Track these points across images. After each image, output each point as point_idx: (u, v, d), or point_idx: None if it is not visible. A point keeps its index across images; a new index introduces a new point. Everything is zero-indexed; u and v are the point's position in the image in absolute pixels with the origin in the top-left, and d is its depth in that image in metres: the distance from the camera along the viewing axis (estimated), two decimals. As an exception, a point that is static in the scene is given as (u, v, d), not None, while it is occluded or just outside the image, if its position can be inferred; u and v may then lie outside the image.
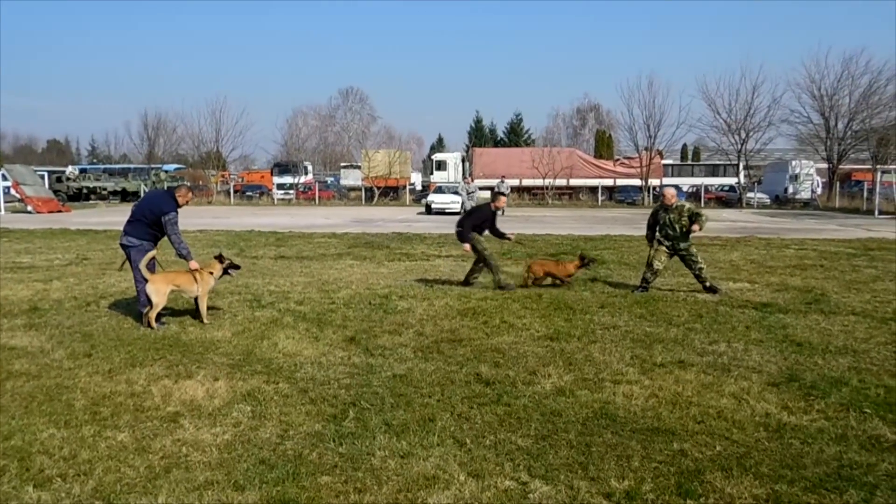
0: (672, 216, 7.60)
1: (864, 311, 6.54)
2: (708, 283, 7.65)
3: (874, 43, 55.39)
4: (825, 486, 2.86)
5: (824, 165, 34.36)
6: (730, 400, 3.91)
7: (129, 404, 3.86)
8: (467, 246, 7.75)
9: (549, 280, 7.99)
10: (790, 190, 34.62)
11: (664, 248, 7.70)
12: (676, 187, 10.96)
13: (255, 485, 2.87)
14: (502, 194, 8.39)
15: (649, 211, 8.14)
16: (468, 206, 26.78)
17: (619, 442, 3.31)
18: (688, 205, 7.92)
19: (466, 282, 8.05)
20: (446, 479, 2.92)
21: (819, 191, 34.28)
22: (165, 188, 6.44)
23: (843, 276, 9.03)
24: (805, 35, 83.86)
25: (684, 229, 7.57)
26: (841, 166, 33.85)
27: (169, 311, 6.16)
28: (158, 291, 5.64)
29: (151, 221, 5.89)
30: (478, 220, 7.83)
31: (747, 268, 8.28)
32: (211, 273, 6.02)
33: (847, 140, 32.90)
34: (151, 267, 5.93)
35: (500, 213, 8.34)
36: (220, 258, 6.18)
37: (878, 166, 29.45)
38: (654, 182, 36.31)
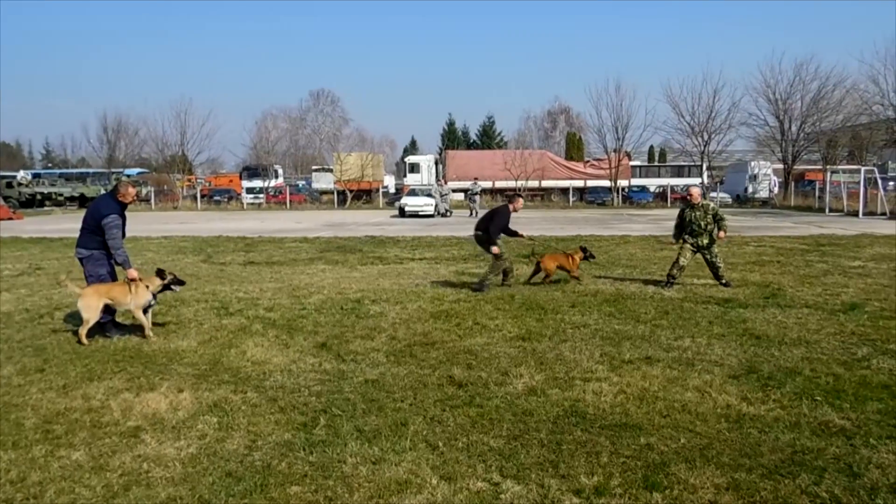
0: (697, 213, 8.04)
1: (816, 304, 6.86)
2: (724, 279, 8.06)
3: (822, 49, 58.29)
4: (780, 471, 2.99)
5: (780, 166, 35.85)
6: (694, 393, 4.04)
7: (86, 420, 3.70)
8: (496, 248, 7.77)
9: (539, 277, 8.09)
10: (750, 189, 36.04)
11: (689, 246, 8.10)
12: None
13: (220, 499, 2.80)
14: (519, 196, 8.37)
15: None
16: (442, 208, 26.89)
17: (589, 439, 3.37)
18: (711, 204, 8.36)
19: (506, 282, 8.01)
20: (418, 484, 2.91)
21: (776, 190, 35.78)
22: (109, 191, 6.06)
23: (797, 270, 9.45)
24: (761, 40, 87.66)
25: (709, 226, 7.99)
26: (795, 167, 35.38)
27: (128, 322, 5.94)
28: (89, 307, 5.33)
29: (94, 228, 5.55)
30: (503, 223, 7.86)
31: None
32: (147, 287, 5.69)
33: (800, 142, 34.44)
34: (105, 277, 5.65)
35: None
36: (160, 274, 5.88)
37: (828, 167, 30.94)
38: (622, 183, 37.17)
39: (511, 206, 8.04)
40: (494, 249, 7.77)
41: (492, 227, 7.78)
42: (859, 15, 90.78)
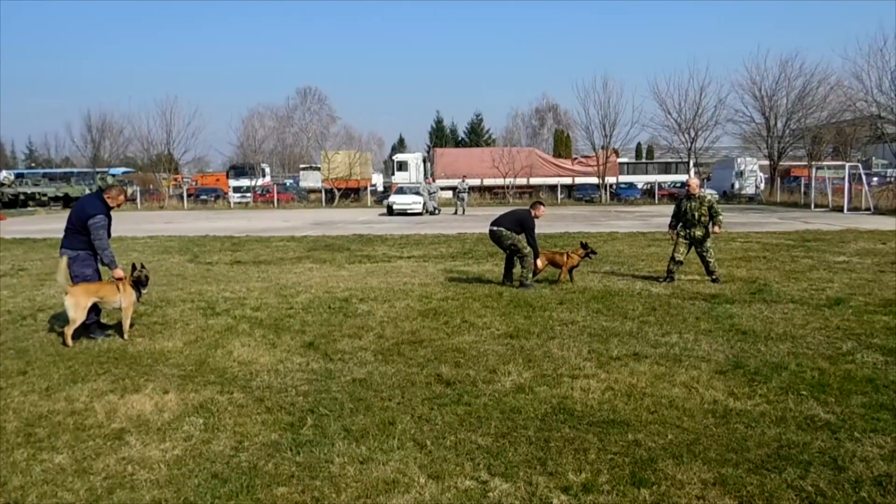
0: (693, 204, 8.09)
1: (802, 299, 6.94)
2: (715, 275, 8.14)
3: (806, 46, 59.19)
4: (766, 466, 3.01)
5: (766, 162, 36.24)
6: (681, 389, 4.06)
7: (69, 423, 3.64)
8: (541, 263, 8.03)
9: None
10: (736, 186, 36.39)
11: (682, 240, 8.17)
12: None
13: (206, 500, 2.77)
14: (541, 203, 8.43)
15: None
16: (430, 206, 26.80)
17: (577, 436, 3.37)
18: (709, 196, 8.39)
19: (508, 280, 8.08)
20: (406, 483, 2.90)
21: (762, 186, 36.18)
22: (95, 190, 5.95)
23: (783, 266, 9.56)
24: (746, 37, 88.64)
25: (703, 218, 8.04)
26: (781, 163, 35.80)
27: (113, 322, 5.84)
28: (77, 305, 5.24)
29: (79, 228, 5.49)
30: (531, 228, 7.96)
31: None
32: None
33: (786, 138, 34.83)
34: (91, 277, 5.58)
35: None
36: (134, 268, 5.71)
37: (813, 163, 31.34)
38: (610, 180, 37.38)
39: (533, 213, 8.11)
40: (540, 265, 7.97)
41: (530, 238, 7.87)
42: (843, 12, 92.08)
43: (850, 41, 52.25)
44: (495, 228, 8.05)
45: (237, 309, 6.74)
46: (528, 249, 7.86)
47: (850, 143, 34.22)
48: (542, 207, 8.33)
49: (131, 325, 5.65)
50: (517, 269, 8.01)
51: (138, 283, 5.69)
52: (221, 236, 15.91)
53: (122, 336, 5.49)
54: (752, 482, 2.86)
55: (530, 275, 7.88)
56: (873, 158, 36.93)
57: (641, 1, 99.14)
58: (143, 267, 5.78)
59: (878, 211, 22.77)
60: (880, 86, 27.36)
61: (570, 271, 8.18)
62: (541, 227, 8.40)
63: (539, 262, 8.08)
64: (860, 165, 26.52)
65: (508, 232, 7.89)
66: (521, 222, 7.99)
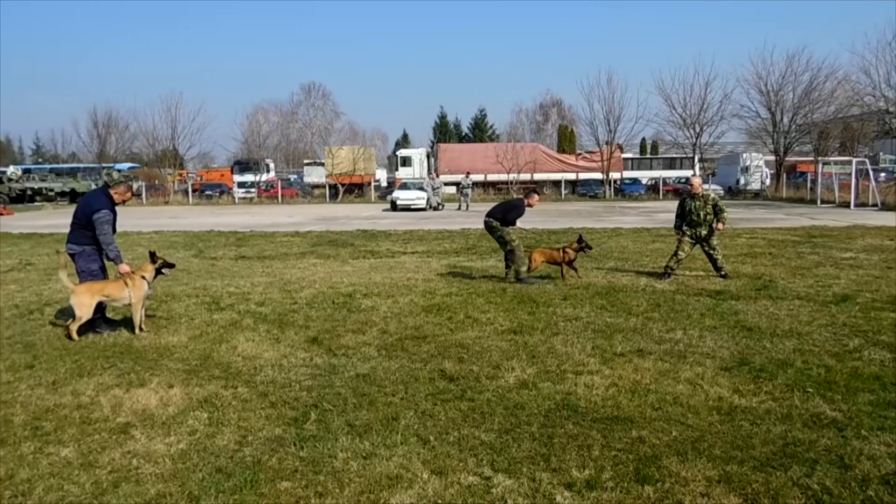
0: (697, 203, 8.03)
1: (808, 296, 6.89)
2: (723, 271, 8.10)
3: (813, 41, 58.57)
4: (772, 464, 2.99)
5: (772, 158, 35.99)
6: (685, 386, 4.04)
7: (75, 417, 3.67)
8: (537, 257, 7.96)
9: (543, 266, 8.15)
10: (741, 181, 36.20)
11: (688, 238, 8.11)
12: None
13: (210, 494, 2.78)
14: (536, 192, 8.43)
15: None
16: (433, 201, 26.77)
17: (581, 432, 3.37)
18: (712, 194, 8.34)
19: (509, 277, 8.07)
20: (409, 478, 2.90)
21: (768, 182, 35.94)
22: (101, 186, 6.00)
23: (789, 262, 9.50)
24: (752, 32, 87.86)
25: (708, 217, 7.99)
26: (787, 158, 35.55)
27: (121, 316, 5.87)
28: (82, 304, 5.25)
29: (85, 223, 5.52)
30: (517, 215, 7.98)
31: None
32: (143, 277, 5.61)
33: (792, 133, 34.59)
34: (97, 272, 5.61)
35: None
36: (152, 258, 5.77)
37: (820, 158, 31.09)
38: (614, 175, 37.22)
39: (527, 202, 8.08)
40: (537, 260, 7.92)
41: (509, 217, 7.89)
42: (851, 6, 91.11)
43: (859, 35, 51.74)
44: (488, 220, 8.03)
45: (241, 304, 6.76)
46: (516, 242, 7.82)
47: (857, 138, 33.97)
48: (536, 196, 8.33)
49: (149, 317, 5.66)
50: (513, 266, 7.97)
51: (162, 268, 5.79)
52: (226, 231, 15.95)
53: (132, 331, 5.51)
54: (758, 480, 2.84)
55: (523, 268, 7.81)
56: (881, 154, 36.61)
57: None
58: (154, 256, 5.85)
59: (886, 207, 22.55)
60: (888, 80, 27.16)
61: (568, 265, 8.12)
62: (545, 223, 8.38)
63: (536, 257, 8.02)
64: (867, 161, 26.28)
65: (497, 223, 7.86)
66: (509, 210, 7.94)
